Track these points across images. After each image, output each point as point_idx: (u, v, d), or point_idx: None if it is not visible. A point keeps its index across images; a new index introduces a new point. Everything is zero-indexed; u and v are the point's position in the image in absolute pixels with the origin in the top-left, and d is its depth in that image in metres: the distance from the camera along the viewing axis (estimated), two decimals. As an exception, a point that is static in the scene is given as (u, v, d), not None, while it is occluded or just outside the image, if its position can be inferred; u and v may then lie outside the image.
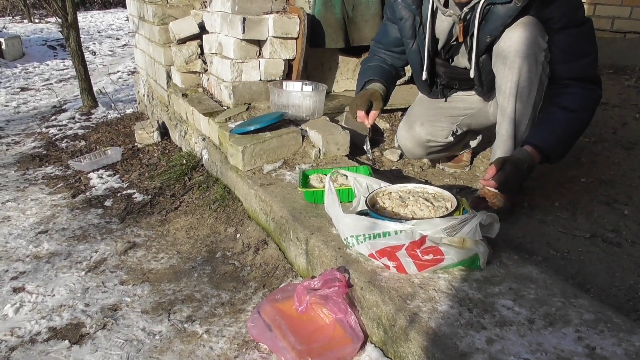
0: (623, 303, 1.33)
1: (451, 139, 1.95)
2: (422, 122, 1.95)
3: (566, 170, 2.12)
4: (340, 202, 1.45)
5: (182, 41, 2.93)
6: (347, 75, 2.83)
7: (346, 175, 1.72)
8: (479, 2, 1.52)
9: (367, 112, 1.81)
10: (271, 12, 2.42)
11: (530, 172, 1.59)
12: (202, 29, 2.85)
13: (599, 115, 2.84)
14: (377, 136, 2.48)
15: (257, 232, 1.93)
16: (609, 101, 3.10)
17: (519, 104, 1.60)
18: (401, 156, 2.33)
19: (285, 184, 1.95)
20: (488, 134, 2.13)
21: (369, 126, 1.83)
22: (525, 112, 1.62)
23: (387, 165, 2.29)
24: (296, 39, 2.43)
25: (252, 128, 2.11)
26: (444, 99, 1.93)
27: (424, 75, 1.79)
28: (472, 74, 1.68)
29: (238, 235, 1.98)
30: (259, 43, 2.45)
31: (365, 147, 1.95)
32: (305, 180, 1.83)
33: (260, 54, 2.47)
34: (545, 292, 1.22)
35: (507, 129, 1.65)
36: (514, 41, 1.53)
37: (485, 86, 1.74)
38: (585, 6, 4.31)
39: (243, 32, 2.34)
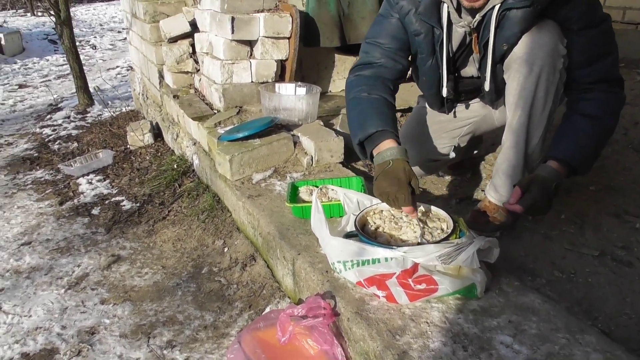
0: (634, 334, 1.22)
1: (453, 154, 1.82)
2: (423, 141, 1.82)
3: (573, 177, 1.99)
4: (331, 217, 1.35)
5: (173, 40, 2.82)
6: (343, 75, 2.71)
7: (335, 190, 1.61)
8: (493, 7, 1.38)
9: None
10: (262, 11, 2.30)
11: (557, 190, 1.45)
12: (194, 26, 2.74)
13: (610, 114, 2.70)
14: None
15: (245, 247, 1.83)
16: (620, 98, 2.96)
17: (533, 116, 1.47)
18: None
19: (275, 195, 1.84)
20: (492, 137, 2.01)
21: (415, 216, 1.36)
22: (539, 124, 1.48)
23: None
24: (289, 38, 2.32)
25: (240, 135, 2.01)
26: (453, 114, 1.78)
27: (445, 92, 1.61)
28: (487, 87, 1.54)
29: (226, 249, 1.88)
30: (250, 43, 2.33)
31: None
32: (294, 193, 1.73)
33: (251, 54, 2.36)
34: (548, 327, 1.11)
35: (517, 140, 1.50)
36: (531, 48, 1.40)
37: (497, 95, 1.61)
38: (596, -4, 4.13)
39: (232, 32, 2.22)
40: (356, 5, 2.41)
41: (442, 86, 1.60)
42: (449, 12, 1.45)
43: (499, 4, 1.36)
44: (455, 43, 1.53)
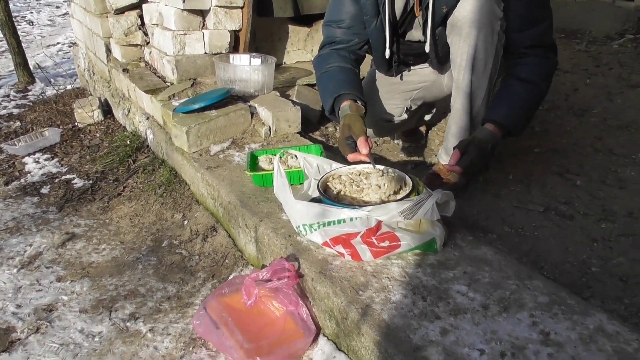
0: (576, 279, 1.32)
1: (405, 116, 1.88)
2: (375, 100, 1.87)
3: (520, 141, 2.10)
4: (291, 184, 1.37)
5: (120, 11, 2.71)
6: (298, 46, 2.70)
7: (296, 156, 1.62)
8: None
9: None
10: (213, -21, 2.24)
11: (494, 150, 1.54)
12: (141, -3, 2.63)
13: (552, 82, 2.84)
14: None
15: (205, 218, 1.82)
16: (561, 67, 3.10)
17: (474, 77, 1.54)
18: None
19: (234, 166, 1.84)
20: (443, 105, 2.07)
21: (368, 160, 1.44)
22: (481, 84, 1.56)
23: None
24: (242, 8, 2.27)
25: (196, 106, 1.98)
26: (400, 77, 1.83)
27: (388, 53, 1.66)
28: (427, 48, 1.59)
29: (186, 222, 1.87)
30: (202, 13, 2.28)
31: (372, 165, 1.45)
32: (254, 162, 1.73)
33: (204, 24, 2.31)
34: (499, 275, 1.19)
35: (463, 103, 1.59)
36: (468, 10, 1.45)
37: (441, 59, 1.66)
38: (539, -30, 4.27)
39: (183, 2, 2.16)
40: (309, -25, 2.39)
41: (386, 47, 1.64)
42: None
43: None
44: (399, 6, 1.58)
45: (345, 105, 1.58)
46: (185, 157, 1.97)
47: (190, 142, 1.93)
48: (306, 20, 2.59)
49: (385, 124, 1.91)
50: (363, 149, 1.42)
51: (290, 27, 2.62)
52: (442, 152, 1.70)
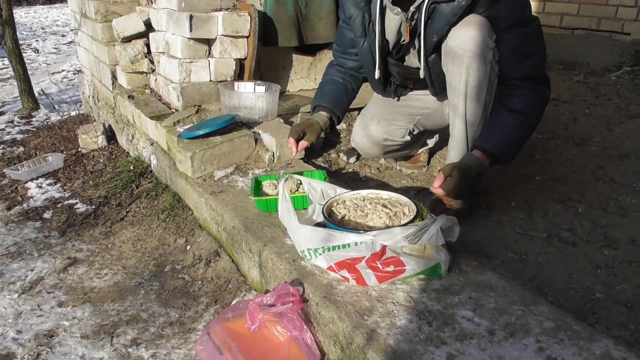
0: (581, 306, 1.32)
1: (408, 137, 1.91)
2: (379, 120, 1.90)
3: (521, 168, 2.12)
4: (295, 209, 1.38)
5: (127, 40, 2.77)
6: (301, 74, 2.75)
7: (300, 181, 1.64)
8: (424, 1, 1.47)
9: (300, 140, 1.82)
10: (220, 9, 2.30)
11: (480, 177, 1.56)
12: (149, 26, 2.70)
13: (551, 112, 2.88)
14: (333, 137, 2.41)
15: (208, 243, 1.82)
16: (560, 97, 3.16)
17: (469, 104, 1.57)
18: (358, 157, 2.27)
19: (238, 191, 1.85)
20: (445, 133, 2.10)
21: (293, 154, 1.83)
22: (477, 111, 1.59)
23: (343, 167, 2.23)
24: (247, 37, 2.33)
25: (201, 132, 2.00)
26: (397, 99, 1.88)
27: (377, 74, 1.73)
28: (422, 74, 1.64)
29: (188, 247, 1.87)
30: (208, 42, 2.33)
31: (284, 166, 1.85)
32: (257, 187, 1.74)
33: (209, 53, 2.36)
34: (504, 300, 1.19)
35: (460, 129, 1.62)
36: (460, 40, 1.49)
37: (437, 86, 1.70)
38: (535, 3, 4.39)
39: (190, 31, 2.21)
40: (313, 6, 2.45)
41: (375, 68, 1.69)
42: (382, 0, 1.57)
43: None
44: (390, 30, 1.63)
45: (318, 113, 1.86)
46: (189, 182, 1.98)
47: (194, 168, 1.95)
48: (310, 49, 2.64)
49: (388, 144, 1.94)
50: (293, 147, 1.78)
51: (295, 56, 2.68)
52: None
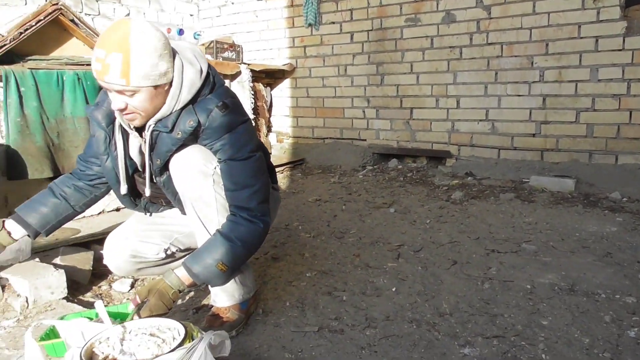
0: (350, 389, 1.43)
1: (162, 255, 1.86)
2: (128, 236, 1.84)
3: (293, 267, 2.30)
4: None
5: None
6: (62, 205, 2.55)
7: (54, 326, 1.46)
8: (149, 128, 1.58)
9: None
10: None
11: (179, 294, 1.61)
12: None
13: (316, 211, 3.25)
14: (102, 267, 2.25)
15: None
16: (322, 197, 3.60)
17: (200, 214, 1.65)
18: (132, 285, 2.15)
19: (-23, 353, 1.54)
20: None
21: None
22: (211, 220, 1.65)
23: (117, 299, 2.08)
24: (-14, 172, 2.10)
25: None
26: (149, 214, 1.88)
27: (123, 190, 1.73)
28: (147, 192, 1.70)
29: None
30: None
31: None
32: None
33: (-64, 194, 2.03)
34: (279, 405, 1.22)
35: (201, 240, 1.68)
36: (179, 164, 1.61)
37: (178, 204, 1.75)
38: (290, 119, 5.11)
39: None
40: (67, 135, 2.38)
41: (120, 185, 1.72)
42: (121, 123, 1.63)
43: (153, 125, 1.58)
44: (133, 150, 1.69)
45: (9, 223, 1.77)
46: None
47: None
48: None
49: (138, 261, 1.85)
50: None
51: (51, 187, 2.49)
52: (213, 295, 1.75)
